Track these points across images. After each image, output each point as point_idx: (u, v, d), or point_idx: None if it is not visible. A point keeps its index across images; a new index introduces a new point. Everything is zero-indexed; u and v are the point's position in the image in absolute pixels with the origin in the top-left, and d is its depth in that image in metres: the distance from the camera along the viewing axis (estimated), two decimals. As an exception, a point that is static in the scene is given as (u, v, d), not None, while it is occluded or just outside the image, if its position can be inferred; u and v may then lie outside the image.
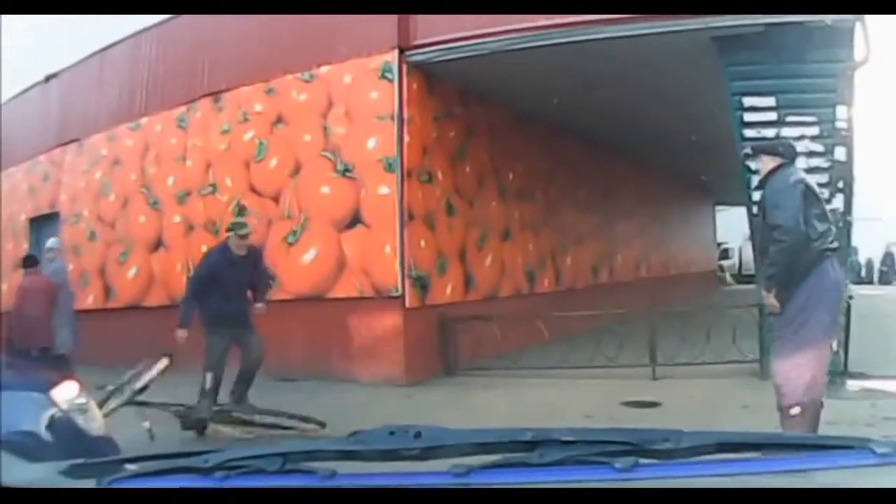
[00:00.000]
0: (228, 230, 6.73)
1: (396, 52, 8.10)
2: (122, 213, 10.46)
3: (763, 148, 5.10)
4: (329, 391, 6.56)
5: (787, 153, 4.93)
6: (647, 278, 16.66)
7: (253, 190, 9.00)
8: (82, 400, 3.58)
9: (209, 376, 6.36)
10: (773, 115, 7.88)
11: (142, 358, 5.86)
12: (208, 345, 6.43)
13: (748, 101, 7.87)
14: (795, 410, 4.45)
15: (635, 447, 1.26)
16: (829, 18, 7.09)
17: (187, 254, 9.46)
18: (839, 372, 7.59)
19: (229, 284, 6.38)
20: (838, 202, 7.78)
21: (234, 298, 6.44)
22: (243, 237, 6.49)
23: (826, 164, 7.95)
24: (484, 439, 1.32)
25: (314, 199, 8.50)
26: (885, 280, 26.66)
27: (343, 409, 6.31)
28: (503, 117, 10.30)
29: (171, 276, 9.69)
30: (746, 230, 9.07)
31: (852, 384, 7.54)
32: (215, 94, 9.40)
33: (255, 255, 6.75)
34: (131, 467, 1.38)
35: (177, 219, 9.74)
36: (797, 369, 4.53)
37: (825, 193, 7.20)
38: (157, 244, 9.97)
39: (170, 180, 9.87)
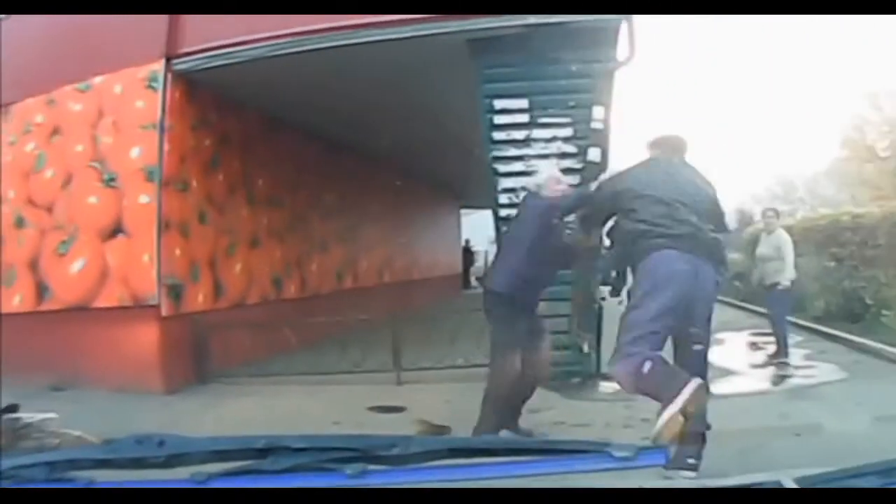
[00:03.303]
0: None
1: (163, 61, 9.00)
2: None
3: None
4: (96, 400, 7.36)
5: None
6: (391, 283, 17.96)
7: (31, 201, 9.62)
8: None
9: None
10: (525, 117, 8.49)
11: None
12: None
13: (500, 103, 8.51)
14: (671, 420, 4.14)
15: (364, 453, 1.43)
16: (591, 18, 7.85)
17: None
18: (592, 374, 8.57)
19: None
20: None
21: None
22: None
23: (578, 166, 8.41)
24: (221, 447, 1.50)
25: (82, 210, 9.26)
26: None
27: (109, 418, 6.79)
28: (256, 124, 11.41)
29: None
30: (492, 233, 9.54)
31: (606, 386, 8.22)
32: (6, 107, 9.89)
33: None
34: None
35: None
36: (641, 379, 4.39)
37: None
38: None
39: (-37, 192, 10.12)
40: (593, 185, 5.71)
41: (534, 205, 6.25)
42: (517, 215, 6.59)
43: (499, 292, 6.11)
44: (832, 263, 13.01)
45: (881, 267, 11.58)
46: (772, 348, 10.03)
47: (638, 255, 4.73)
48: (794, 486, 1.33)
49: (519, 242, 6.15)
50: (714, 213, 5.03)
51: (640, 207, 4.82)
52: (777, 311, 9.77)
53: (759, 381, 8.67)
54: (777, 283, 9.57)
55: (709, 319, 4.83)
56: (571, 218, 6.11)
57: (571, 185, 6.41)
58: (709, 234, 4.82)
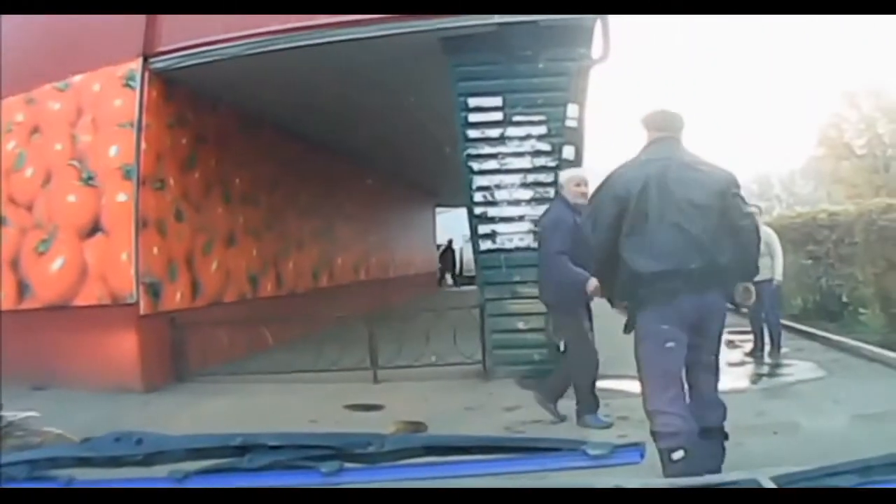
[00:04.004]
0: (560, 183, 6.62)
1: (141, 59, 9.08)
2: None
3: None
4: (76, 399, 7.48)
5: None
6: (367, 281, 18.15)
7: (11, 200, 9.66)
8: None
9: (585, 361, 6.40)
10: (499, 115, 8.60)
11: None
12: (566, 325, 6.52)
13: (474, 101, 8.63)
14: (678, 455, 3.92)
15: (340, 451, 1.44)
16: (565, 17, 7.94)
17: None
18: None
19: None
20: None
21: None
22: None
23: (553, 163, 8.49)
24: (199, 445, 1.52)
25: (61, 208, 9.35)
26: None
27: (89, 416, 6.93)
28: (233, 123, 11.51)
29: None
30: (467, 231, 9.63)
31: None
32: (-11, 105, 9.90)
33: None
34: None
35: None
36: (669, 400, 4.15)
37: (551, 193, 7.74)
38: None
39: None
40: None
41: (555, 209, 6.51)
42: (542, 222, 6.73)
43: (546, 302, 6.82)
44: (809, 261, 13.14)
45: (858, 265, 11.72)
46: (749, 346, 10.15)
47: (649, 299, 4.20)
48: (771, 485, 1.32)
49: (549, 251, 6.41)
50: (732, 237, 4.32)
51: (646, 234, 4.21)
52: (768, 306, 9.83)
53: (737, 378, 8.73)
54: (769, 280, 9.63)
55: (720, 339, 4.53)
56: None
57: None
58: (722, 261, 4.23)
